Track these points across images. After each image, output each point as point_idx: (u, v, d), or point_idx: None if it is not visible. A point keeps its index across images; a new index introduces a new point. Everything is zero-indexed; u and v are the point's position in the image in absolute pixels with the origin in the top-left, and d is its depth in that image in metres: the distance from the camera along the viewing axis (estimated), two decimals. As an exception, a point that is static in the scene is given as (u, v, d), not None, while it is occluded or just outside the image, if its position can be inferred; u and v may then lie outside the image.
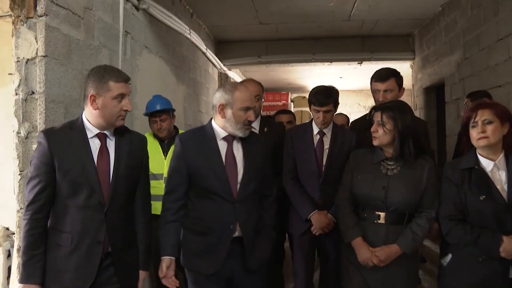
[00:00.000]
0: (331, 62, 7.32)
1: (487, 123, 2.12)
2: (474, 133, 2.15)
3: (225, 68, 7.29)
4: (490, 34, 4.31)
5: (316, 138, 2.94)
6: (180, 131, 3.37)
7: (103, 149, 2.06)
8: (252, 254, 2.30)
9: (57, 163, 1.96)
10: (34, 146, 2.46)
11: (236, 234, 2.26)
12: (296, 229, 2.97)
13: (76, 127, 2.05)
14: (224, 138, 2.30)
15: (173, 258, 2.25)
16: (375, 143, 2.36)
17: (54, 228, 2.02)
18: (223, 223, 2.24)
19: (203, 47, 6.05)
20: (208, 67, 6.68)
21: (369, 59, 7.06)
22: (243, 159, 2.30)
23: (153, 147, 3.25)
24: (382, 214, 2.32)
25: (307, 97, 3.00)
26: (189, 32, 5.30)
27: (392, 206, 2.29)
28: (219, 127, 2.31)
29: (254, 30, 6.70)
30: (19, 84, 2.55)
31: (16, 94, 2.55)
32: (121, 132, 2.15)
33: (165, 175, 2.99)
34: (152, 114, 3.35)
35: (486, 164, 2.19)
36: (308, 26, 6.47)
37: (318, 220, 2.81)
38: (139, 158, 2.20)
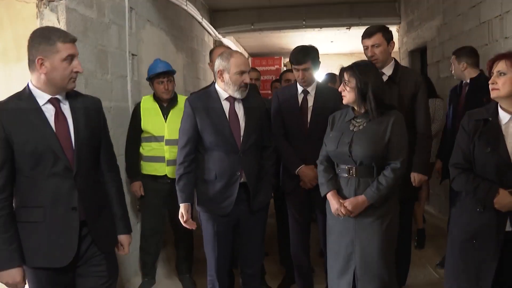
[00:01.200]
0: (321, 28, 7.63)
1: (500, 75, 2.06)
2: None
3: (220, 36, 7.59)
4: (465, 1, 4.66)
5: (301, 97, 3.10)
6: (180, 96, 3.64)
7: (59, 113, 1.95)
8: (256, 197, 2.74)
9: (12, 137, 1.86)
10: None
11: (242, 180, 2.68)
12: (287, 185, 3.18)
13: (24, 97, 1.93)
14: (227, 99, 2.69)
15: (190, 203, 2.68)
16: (344, 101, 2.51)
17: (22, 205, 1.94)
18: (231, 171, 2.65)
19: (199, 17, 6.33)
20: (204, 35, 6.99)
21: (357, 24, 7.34)
22: (244, 116, 2.70)
23: (153, 110, 3.49)
24: (352, 169, 2.46)
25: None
26: (185, 4, 5.59)
27: (358, 160, 2.42)
28: (221, 89, 2.70)
29: (247, -2, 6.97)
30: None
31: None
32: (73, 96, 2.05)
33: (166, 137, 3.42)
34: (158, 76, 3.48)
35: (503, 116, 2.13)
36: (299, -6, 6.74)
37: (305, 173, 2.98)
38: (97, 119, 2.12)
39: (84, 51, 3.09)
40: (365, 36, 2.99)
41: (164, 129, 3.47)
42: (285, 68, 11.43)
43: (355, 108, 2.52)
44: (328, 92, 3.14)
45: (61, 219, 1.92)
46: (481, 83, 3.29)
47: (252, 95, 2.86)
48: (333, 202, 2.50)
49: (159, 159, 3.46)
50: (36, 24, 2.91)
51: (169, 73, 3.55)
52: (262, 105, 2.89)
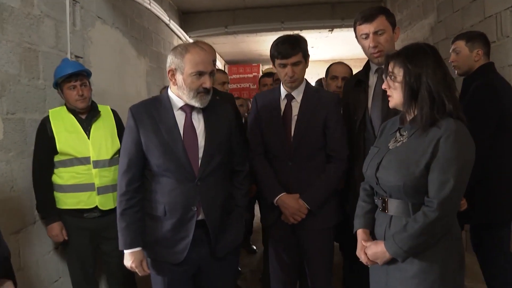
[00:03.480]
0: (301, 30, 7.01)
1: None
2: None
3: (190, 40, 6.94)
4: (464, -6, 4.10)
5: (283, 103, 2.42)
6: (102, 106, 2.87)
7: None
8: (221, 239, 2.07)
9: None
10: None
11: (201, 217, 2.01)
12: (266, 218, 2.51)
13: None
14: (182, 108, 2.04)
15: (138, 248, 2.02)
16: (390, 105, 1.78)
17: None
18: (185, 205, 1.99)
19: (165, 18, 5.69)
20: (173, 39, 6.33)
21: (340, 26, 6.80)
22: (204, 130, 2.04)
23: (70, 125, 2.68)
24: (386, 201, 1.75)
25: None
26: (149, 2, 4.94)
27: (387, 190, 1.73)
28: (175, 95, 2.04)
29: (220, -1, 6.37)
30: None
31: None
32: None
33: (93, 157, 2.66)
34: (67, 80, 2.65)
35: None
36: (276, -7, 6.18)
37: (286, 204, 2.30)
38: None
39: (-2, 49, 2.40)
40: (364, 20, 2.24)
41: (88, 148, 2.67)
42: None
43: (405, 114, 1.76)
44: (320, 96, 2.43)
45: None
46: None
47: (220, 104, 2.20)
48: (358, 242, 1.86)
49: (87, 187, 2.66)
50: None
51: (82, 75, 2.73)
52: (232, 116, 2.21)
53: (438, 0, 4.72)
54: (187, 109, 2.04)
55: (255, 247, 4.70)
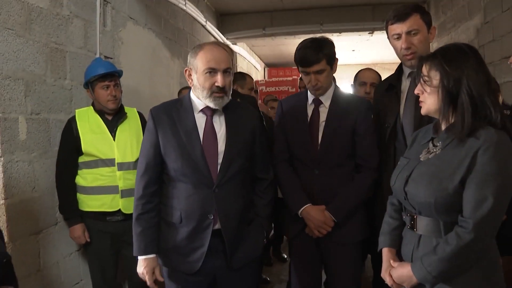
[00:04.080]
0: (340, 33, 6.86)
1: None
2: None
3: (228, 42, 6.89)
4: (514, -8, 3.83)
5: (311, 109, 2.28)
6: (128, 108, 2.83)
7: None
8: (238, 250, 1.96)
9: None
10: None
11: (217, 226, 1.92)
12: (289, 229, 2.36)
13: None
14: (202, 111, 1.95)
15: (153, 255, 1.96)
16: (422, 111, 1.61)
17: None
18: (201, 212, 1.90)
19: (202, 19, 5.66)
20: (210, 40, 6.30)
21: (380, 29, 6.53)
22: (225, 134, 1.94)
23: (96, 126, 2.65)
24: (415, 218, 1.58)
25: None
26: (184, 3, 4.92)
27: (416, 206, 1.56)
28: (196, 97, 1.96)
29: (258, 1, 6.26)
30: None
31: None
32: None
33: (118, 159, 2.61)
34: (101, 79, 2.63)
35: None
36: (315, -6, 6.03)
37: (310, 216, 2.16)
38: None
39: (24, 49, 2.40)
40: (396, 19, 2.05)
41: (113, 149, 2.63)
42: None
43: (440, 122, 1.60)
44: (349, 101, 2.29)
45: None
46: None
47: (243, 107, 2.10)
48: (383, 262, 1.70)
49: (110, 189, 2.61)
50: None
51: (115, 76, 2.71)
52: (256, 120, 2.09)
53: (485, 0, 4.44)
54: (208, 111, 1.95)
55: (285, 256, 4.57)
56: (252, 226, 2.04)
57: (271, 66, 11.24)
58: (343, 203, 2.18)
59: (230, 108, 1.99)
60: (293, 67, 10.37)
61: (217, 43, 1.97)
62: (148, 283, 1.95)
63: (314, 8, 6.62)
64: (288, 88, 9.56)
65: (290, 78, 10.00)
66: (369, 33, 6.91)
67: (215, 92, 1.87)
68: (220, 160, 1.91)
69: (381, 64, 11.23)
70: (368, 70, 3.44)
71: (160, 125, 1.95)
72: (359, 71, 3.47)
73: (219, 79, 1.86)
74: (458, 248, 1.39)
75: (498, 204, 1.38)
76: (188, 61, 1.94)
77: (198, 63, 1.87)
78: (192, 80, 1.93)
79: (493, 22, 4.31)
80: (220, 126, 1.96)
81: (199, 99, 1.95)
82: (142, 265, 1.94)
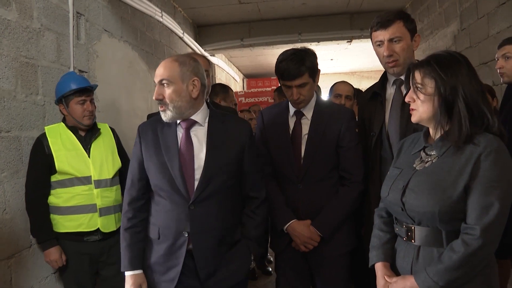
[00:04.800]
0: (318, 42, 6.85)
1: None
2: None
3: (206, 54, 6.82)
4: (490, -1, 3.86)
5: (292, 121, 2.21)
6: (101, 124, 2.75)
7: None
8: (215, 273, 1.85)
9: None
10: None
11: (191, 245, 1.84)
12: (275, 244, 2.28)
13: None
14: (180, 124, 1.89)
15: (140, 271, 1.89)
16: (413, 119, 1.57)
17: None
18: (176, 230, 1.82)
19: (179, 31, 5.59)
20: (187, 52, 6.22)
21: (358, 37, 6.58)
22: (205, 147, 1.85)
23: (70, 143, 2.53)
24: (412, 229, 1.53)
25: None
26: (161, 15, 4.84)
27: (415, 216, 1.51)
28: None
29: (235, 11, 6.22)
30: None
31: None
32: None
33: (94, 177, 2.51)
34: (77, 94, 2.52)
35: None
36: (292, 5, 6.00)
37: (296, 232, 2.10)
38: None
39: (-9, 64, 2.28)
40: (379, 25, 2.00)
41: (89, 167, 2.52)
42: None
43: (430, 130, 1.58)
44: (332, 112, 2.20)
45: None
46: None
47: (232, 120, 1.99)
48: (378, 278, 1.62)
49: (88, 208, 2.48)
50: None
51: (90, 91, 2.62)
52: (245, 137, 1.96)
53: (462, 7, 4.48)
54: (184, 124, 1.88)
55: (270, 269, 4.47)
56: (236, 249, 1.92)
57: (250, 77, 11.22)
58: (329, 218, 2.11)
59: (215, 121, 1.91)
60: (272, 77, 10.37)
61: (169, 58, 1.89)
62: None
63: (292, 18, 6.63)
64: (267, 98, 9.52)
65: (269, 89, 9.98)
66: (347, 41, 6.93)
67: (159, 104, 1.84)
68: (198, 176, 1.82)
69: (359, 73, 11.30)
70: (343, 83, 3.54)
71: (144, 140, 1.91)
72: (335, 83, 3.58)
73: (155, 92, 1.82)
74: (465, 255, 1.36)
75: (504, 209, 1.37)
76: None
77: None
78: None
79: (469, 28, 4.35)
80: (200, 139, 1.88)
81: None
82: (128, 282, 1.87)
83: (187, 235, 1.80)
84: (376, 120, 2.09)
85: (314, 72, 2.13)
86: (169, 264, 1.83)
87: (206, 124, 1.90)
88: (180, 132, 1.89)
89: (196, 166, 1.83)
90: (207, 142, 1.87)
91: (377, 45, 2.04)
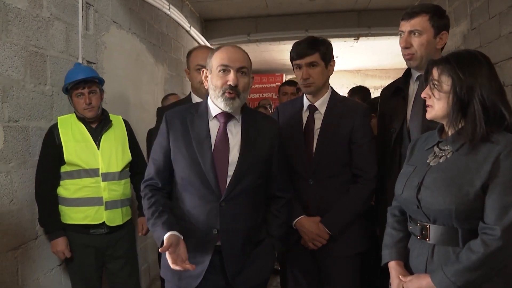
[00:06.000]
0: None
1: None
2: None
3: (213, 48, 6.79)
4: (501, -2, 3.82)
5: (305, 115, 2.19)
6: (114, 116, 2.72)
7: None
8: (242, 271, 1.81)
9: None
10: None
11: (219, 242, 1.79)
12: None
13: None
14: (216, 117, 1.83)
15: (173, 232, 1.70)
16: (428, 115, 1.56)
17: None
18: (205, 226, 1.77)
19: (186, 24, 5.55)
20: (194, 46, 6.19)
21: (366, 35, 6.54)
22: (240, 144, 1.81)
23: (79, 134, 2.52)
24: (427, 227, 1.51)
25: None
26: (168, 8, 4.80)
27: (431, 214, 1.49)
28: (212, 102, 1.84)
29: (242, 6, 6.18)
30: None
31: None
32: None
33: (102, 170, 2.48)
34: (75, 86, 2.50)
35: None
36: (300, 1, 5.96)
37: (304, 228, 2.08)
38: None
39: (1, 52, 2.26)
40: (405, 16, 1.98)
41: (98, 159, 2.50)
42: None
43: (445, 127, 1.56)
44: (345, 107, 2.18)
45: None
46: None
47: (263, 117, 1.97)
48: (392, 277, 1.60)
49: (94, 201, 2.47)
50: None
51: (92, 82, 2.56)
52: (276, 136, 1.94)
53: (472, 6, 4.44)
54: (222, 118, 1.83)
55: (278, 268, 4.44)
56: (261, 248, 1.89)
57: (254, 72, 11.07)
58: (338, 216, 2.09)
59: (249, 117, 1.87)
60: (277, 74, 10.34)
61: (237, 46, 1.86)
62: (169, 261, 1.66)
63: (299, 14, 6.58)
64: (272, 94, 9.52)
65: (273, 85, 9.97)
66: (354, 39, 6.90)
67: (227, 91, 1.75)
68: (230, 172, 1.78)
69: (364, 71, 11.25)
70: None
71: (173, 130, 1.84)
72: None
73: (231, 77, 1.74)
74: (484, 256, 1.34)
75: None
76: (206, 63, 1.85)
77: (213, 62, 1.78)
78: (207, 82, 1.84)
79: (480, 28, 4.31)
80: (234, 135, 1.83)
81: (214, 104, 1.83)
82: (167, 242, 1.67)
83: (216, 232, 1.76)
84: (397, 116, 2.06)
85: (326, 56, 2.13)
86: (195, 261, 1.74)
87: (241, 119, 1.86)
88: (215, 125, 1.84)
89: (229, 161, 1.79)
90: (242, 138, 1.82)
91: (399, 35, 2.02)
